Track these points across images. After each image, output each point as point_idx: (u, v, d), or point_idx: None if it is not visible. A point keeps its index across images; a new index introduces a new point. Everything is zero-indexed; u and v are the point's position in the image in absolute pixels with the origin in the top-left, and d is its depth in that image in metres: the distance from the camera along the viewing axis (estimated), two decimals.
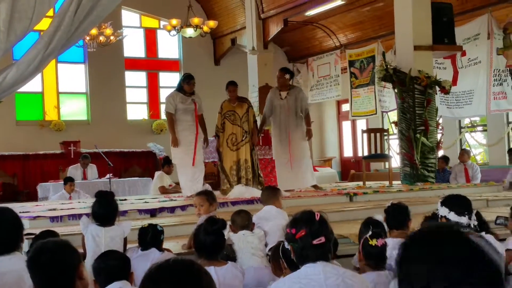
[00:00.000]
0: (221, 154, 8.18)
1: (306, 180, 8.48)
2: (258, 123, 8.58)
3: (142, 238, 3.92)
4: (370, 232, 3.31)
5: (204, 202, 4.59)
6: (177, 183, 8.92)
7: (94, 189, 10.80)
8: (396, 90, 9.68)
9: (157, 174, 10.27)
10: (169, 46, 15.96)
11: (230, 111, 8.18)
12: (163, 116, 15.53)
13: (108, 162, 10.72)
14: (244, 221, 4.19)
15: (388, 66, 9.57)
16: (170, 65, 16.03)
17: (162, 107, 15.56)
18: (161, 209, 6.44)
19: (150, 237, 3.87)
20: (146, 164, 14.17)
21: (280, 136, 8.43)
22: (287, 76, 8.45)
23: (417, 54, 9.44)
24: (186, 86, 8.03)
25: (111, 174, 11.00)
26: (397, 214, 4.00)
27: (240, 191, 7.62)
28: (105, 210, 4.06)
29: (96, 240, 3.98)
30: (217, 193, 8.55)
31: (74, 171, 11.44)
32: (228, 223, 3.77)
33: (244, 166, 8.09)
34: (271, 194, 4.81)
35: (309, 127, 8.50)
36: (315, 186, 8.59)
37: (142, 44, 15.71)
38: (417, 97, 9.46)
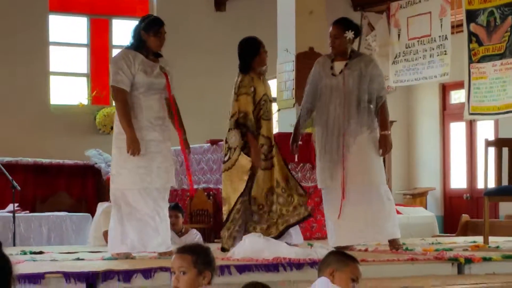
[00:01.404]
0: (254, 175, 8.40)
1: (379, 229, 8.53)
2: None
3: None
4: None
5: (188, 268, 4.63)
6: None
7: None
8: None
9: (103, 207, 10.32)
10: None
11: (264, 96, 8.53)
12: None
13: (12, 183, 10.77)
14: None
15: None
16: (132, 6, 16.18)
17: None
18: (107, 275, 6.44)
19: None
20: (82, 188, 14.24)
21: (327, 144, 8.56)
22: (348, 34, 8.56)
23: None
24: (153, 40, 8.01)
25: (16, 205, 11.07)
26: None
27: (253, 246, 7.66)
28: None
29: None
30: (213, 247, 8.62)
31: None
32: None
33: (278, 194, 8.45)
34: (335, 262, 4.85)
35: (384, 131, 8.60)
36: (393, 242, 8.62)
37: None
38: None
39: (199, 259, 4.65)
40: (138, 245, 7.94)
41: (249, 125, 8.39)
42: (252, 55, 8.56)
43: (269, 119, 8.56)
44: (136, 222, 7.95)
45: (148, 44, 8.01)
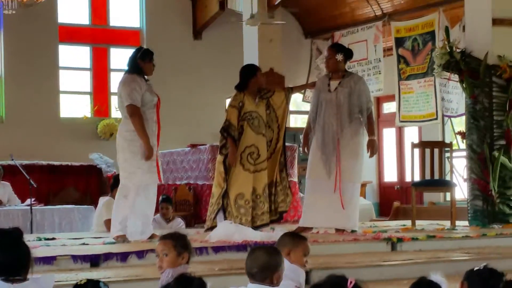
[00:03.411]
0: (229, 172, 8.38)
1: (347, 218, 8.52)
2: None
3: None
4: None
5: (169, 250, 4.59)
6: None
7: (6, 220, 10.86)
8: (464, 85, 9.70)
9: (104, 200, 10.25)
10: (125, 10, 16.03)
11: (252, 112, 8.50)
12: (114, 113, 15.55)
13: (30, 181, 10.68)
14: None
15: (454, 48, 9.59)
16: (126, 37, 16.08)
17: (113, 99, 15.61)
18: (107, 256, 6.42)
19: None
20: (86, 184, 14.15)
21: (324, 147, 8.58)
22: (340, 56, 8.61)
23: (497, 31, 9.48)
24: (148, 66, 8.07)
25: (33, 199, 10.98)
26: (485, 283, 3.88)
27: (227, 231, 7.62)
28: (9, 258, 4.02)
29: None
30: (193, 232, 8.63)
31: None
32: (209, 285, 3.75)
33: (264, 196, 8.41)
34: (290, 242, 4.82)
35: (372, 136, 8.64)
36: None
37: (86, 6, 15.75)
38: (495, 96, 9.47)
39: (178, 243, 4.64)
40: (136, 234, 7.92)
41: (229, 131, 8.39)
42: (249, 77, 8.52)
43: (259, 133, 8.50)
44: (145, 213, 7.98)
45: (144, 70, 8.04)
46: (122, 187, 8.12)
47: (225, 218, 8.24)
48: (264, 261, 4.09)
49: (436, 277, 3.72)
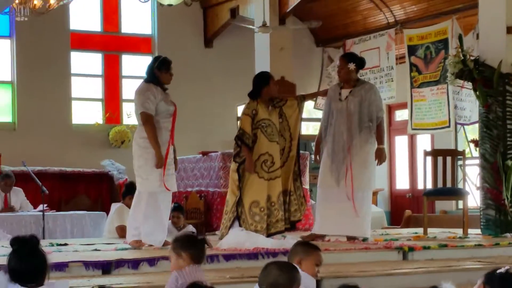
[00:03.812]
0: (243, 180, 8.42)
1: (359, 226, 8.54)
2: None
3: None
4: None
5: (170, 253, 4.66)
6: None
7: (19, 226, 10.90)
8: (477, 93, 9.69)
9: (115, 207, 10.28)
10: (137, 17, 16.02)
11: (266, 120, 8.53)
12: (125, 120, 15.57)
13: (42, 187, 10.70)
14: None
15: (467, 57, 9.58)
16: (138, 44, 16.09)
17: (125, 106, 15.65)
18: (119, 263, 6.45)
19: None
20: (98, 191, 14.15)
21: (334, 156, 8.60)
22: (351, 66, 8.61)
23: None
24: (165, 76, 8.12)
25: (45, 205, 11.00)
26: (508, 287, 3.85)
27: (238, 238, 7.62)
28: (27, 265, 4.05)
29: None
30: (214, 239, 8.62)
31: None
32: None
33: (279, 204, 8.40)
34: (301, 251, 4.82)
35: (380, 145, 8.69)
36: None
37: (98, 13, 15.79)
38: (509, 105, 9.46)
39: (176, 244, 4.70)
40: (150, 239, 7.94)
41: (243, 139, 8.42)
42: (262, 85, 8.54)
43: (272, 141, 8.53)
44: (157, 219, 8.00)
45: (161, 79, 8.07)
46: (138, 193, 8.16)
47: (240, 226, 8.26)
48: (274, 279, 4.04)
49: (447, 285, 3.73)
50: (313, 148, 9.06)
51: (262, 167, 8.43)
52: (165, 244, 7.81)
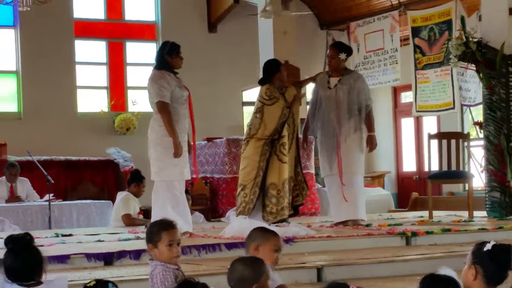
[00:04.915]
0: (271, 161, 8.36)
1: (355, 209, 8.62)
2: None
3: None
4: None
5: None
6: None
7: (25, 216, 10.94)
8: (481, 75, 9.66)
9: (121, 195, 10.30)
10: (140, 4, 16.03)
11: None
12: (131, 107, 15.59)
13: (47, 177, 10.73)
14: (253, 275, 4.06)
15: (470, 38, 9.54)
16: (142, 31, 16.08)
17: (130, 94, 15.66)
18: (121, 254, 6.44)
19: None
20: (104, 179, 14.17)
21: (325, 143, 8.74)
22: (342, 55, 8.72)
23: None
24: (176, 60, 8.02)
25: (51, 195, 11.03)
26: (499, 262, 3.75)
27: (241, 227, 7.60)
28: (21, 263, 4.06)
29: None
30: (209, 226, 8.55)
31: None
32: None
33: (286, 190, 8.41)
34: (259, 237, 4.72)
35: (371, 132, 8.77)
36: (356, 221, 8.67)
37: (101, 0, 15.76)
38: None
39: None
40: (185, 226, 7.79)
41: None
42: (274, 72, 8.53)
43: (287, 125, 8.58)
44: (182, 207, 7.93)
45: (172, 64, 7.99)
46: (156, 183, 8.04)
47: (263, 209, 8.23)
48: (240, 274, 3.95)
49: (446, 271, 3.68)
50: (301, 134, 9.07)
51: (282, 150, 8.40)
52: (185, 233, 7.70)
